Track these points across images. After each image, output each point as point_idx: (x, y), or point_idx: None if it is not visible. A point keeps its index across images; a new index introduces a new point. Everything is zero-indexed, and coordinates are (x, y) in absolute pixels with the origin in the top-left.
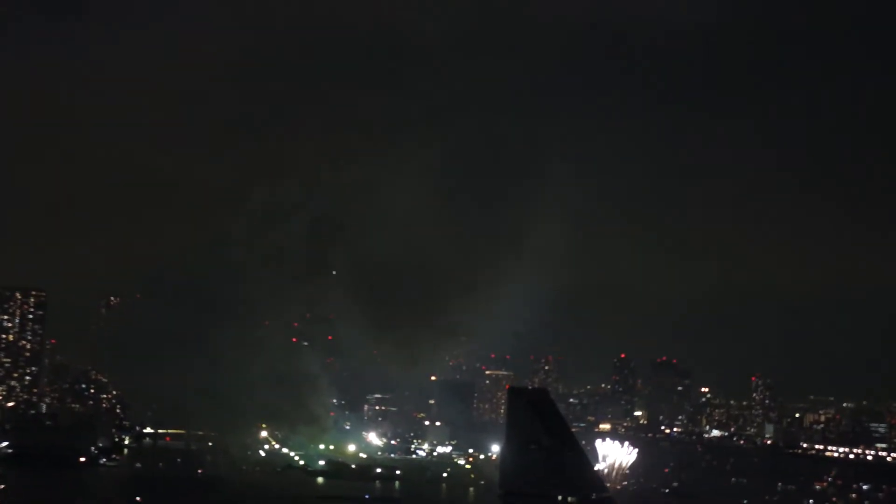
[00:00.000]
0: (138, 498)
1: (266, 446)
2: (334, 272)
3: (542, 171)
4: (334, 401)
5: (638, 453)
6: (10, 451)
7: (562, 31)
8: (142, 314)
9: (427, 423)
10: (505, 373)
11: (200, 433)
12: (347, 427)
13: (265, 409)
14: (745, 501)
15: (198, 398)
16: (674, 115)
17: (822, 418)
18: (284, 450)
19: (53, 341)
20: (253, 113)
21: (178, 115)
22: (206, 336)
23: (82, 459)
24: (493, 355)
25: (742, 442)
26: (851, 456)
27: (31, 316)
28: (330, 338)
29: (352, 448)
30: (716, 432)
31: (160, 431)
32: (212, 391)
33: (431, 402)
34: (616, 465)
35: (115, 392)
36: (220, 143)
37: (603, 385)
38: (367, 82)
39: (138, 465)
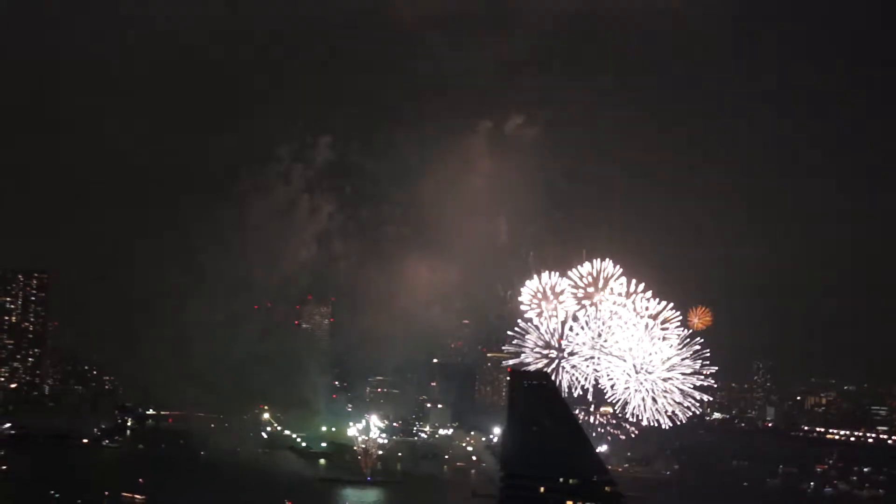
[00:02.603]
0: (140, 479)
1: (268, 428)
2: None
3: (533, 162)
4: (336, 383)
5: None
6: (12, 432)
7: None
8: (136, 297)
9: (429, 405)
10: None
11: (201, 415)
12: (349, 409)
13: (261, 391)
14: (746, 483)
15: (193, 380)
16: (670, 106)
17: (824, 401)
18: (287, 431)
19: (56, 323)
20: (242, 95)
21: (175, 99)
22: (201, 317)
23: (85, 441)
24: (483, 349)
25: (743, 425)
26: (852, 438)
27: (33, 298)
28: (332, 320)
29: (354, 430)
30: (717, 415)
31: (163, 413)
32: (207, 373)
33: (433, 384)
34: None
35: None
36: (215, 126)
37: None
38: (354, 64)
39: (140, 446)
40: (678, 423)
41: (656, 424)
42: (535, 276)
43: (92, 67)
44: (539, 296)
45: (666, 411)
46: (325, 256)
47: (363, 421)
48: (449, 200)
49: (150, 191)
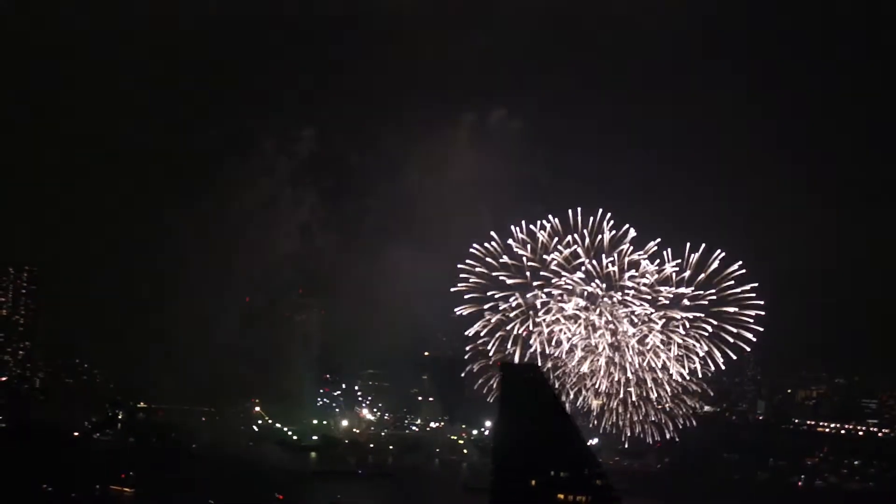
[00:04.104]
0: (131, 472)
1: (259, 421)
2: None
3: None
4: (327, 376)
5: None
6: (3, 425)
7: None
8: (121, 290)
9: (420, 398)
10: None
11: (192, 408)
12: (340, 401)
13: (247, 384)
14: (737, 477)
15: (179, 373)
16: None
17: (814, 394)
18: (277, 425)
19: (45, 316)
20: (225, 86)
21: (156, 89)
22: (185, 310)
23: (76, 434)
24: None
25: (734, 418)
26: (843, 432)
27: (24, 291)
28: (323, 312)
29: (345, 423)
30: (707, 408)
31: (154, 406)
32: (192, 366)
33: (425, 377)
34: None
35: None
36: (198, 117)
37: None
38: (336, 57)
39: (131, 439)
40: (668, 434)
41: (641, 437)
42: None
43: (73, 56)
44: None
45: (652, 419)
46: (310, 249)
47: (354, 414)
48: (432, 193)
49: (132, 182)
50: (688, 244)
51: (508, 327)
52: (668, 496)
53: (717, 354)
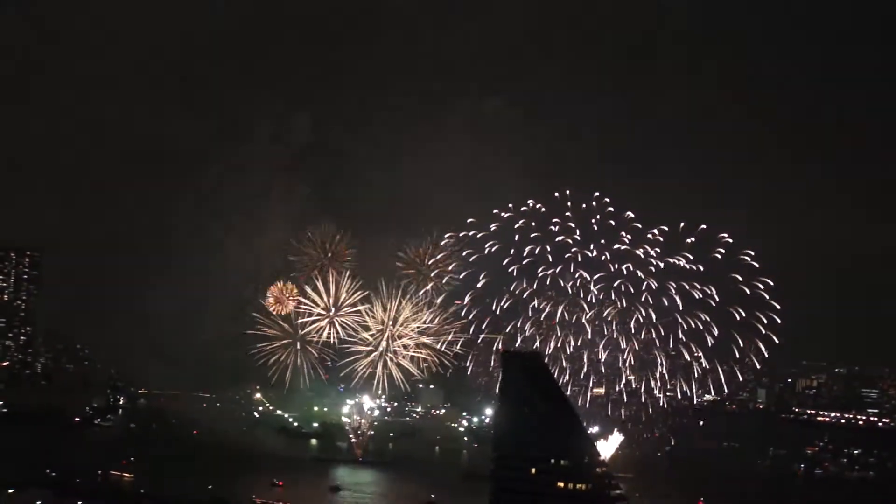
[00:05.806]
0: (132, 458)
1: (260, 408)
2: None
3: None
4: (328, 363)
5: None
6: (4, 410)
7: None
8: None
9: (421, 385)
10: (498, 335)
11: (192, 394)
12: (341, 389)
13: (242, 370)
14: (737, 465)
15: (172, 359)
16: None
17: (814, 383)
18: (279, 412)
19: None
20: (225, 73)
21: (151, 77)
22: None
23: (77, 419)
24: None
25: (734, 406)
26: (843, 421)
27: (25, 276)
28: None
29: (345, 410)
30: (708, 397)
31: (155, 392)
32: (186, 353)
33: (425, 364)
34: None
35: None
36: (191, 105)
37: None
38: (333, 43)
39: (132, 425)
40: (657, 432)
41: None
42: None
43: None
44: None
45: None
46: (307, 238)
47: (355, 401)
48: (426, 181)
49: (128, 170)
50: (681, 224)
51: (479, 341)
52: (668, 484)
53: (720, 371)
